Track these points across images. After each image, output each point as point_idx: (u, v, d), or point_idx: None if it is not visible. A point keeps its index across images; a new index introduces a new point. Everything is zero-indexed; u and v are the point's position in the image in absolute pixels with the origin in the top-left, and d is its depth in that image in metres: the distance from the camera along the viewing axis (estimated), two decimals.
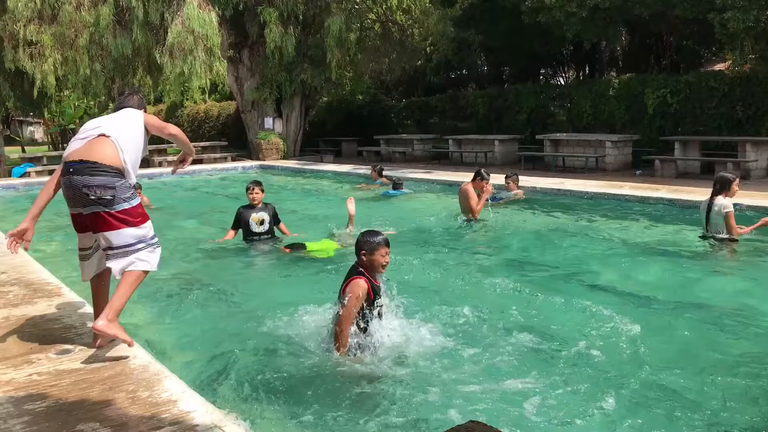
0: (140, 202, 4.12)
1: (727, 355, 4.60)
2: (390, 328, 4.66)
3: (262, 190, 8.38)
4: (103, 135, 3.99)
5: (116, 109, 4.40)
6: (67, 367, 3.80)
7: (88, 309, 4.98)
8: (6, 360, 3.92)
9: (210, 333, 5.28)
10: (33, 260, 6.90)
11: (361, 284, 4.40)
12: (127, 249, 3.96)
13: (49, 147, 33.39)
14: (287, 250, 7.89)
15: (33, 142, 45.22)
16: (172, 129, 4.53)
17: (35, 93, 20.21)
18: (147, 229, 4.04)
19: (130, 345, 3.96)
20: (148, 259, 4.02)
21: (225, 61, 21.89)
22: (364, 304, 4.44)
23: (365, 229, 4.75)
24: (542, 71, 27.07)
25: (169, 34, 19.12)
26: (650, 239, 8.41)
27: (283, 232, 8.50)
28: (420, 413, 3.77)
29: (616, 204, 10.97)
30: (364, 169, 16.05)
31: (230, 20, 21.55)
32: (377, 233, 4.65)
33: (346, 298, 4.37)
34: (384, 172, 15.17)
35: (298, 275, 7.09)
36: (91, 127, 4.10)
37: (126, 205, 3.93)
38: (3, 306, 5.10)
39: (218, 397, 3.96)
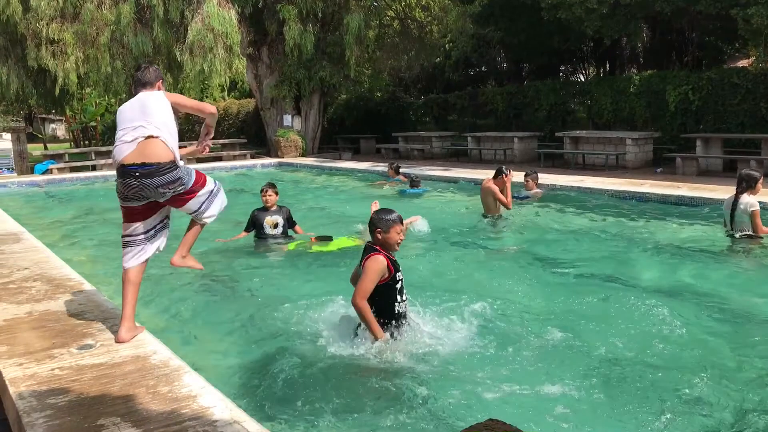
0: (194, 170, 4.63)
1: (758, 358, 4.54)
2: (415, 326, 4.67)
3: (277, 193, 8.35)
4: (152, 137, 4.37)
5: (135, 85, 4.66)
6: (89, 362, 3.84)
7: (110, 305, 5.03)
8: (29, 354, 3.97)
9: (229, 329, 5.31)
10: (55, 256, 6.98)
11: (379, 259, 4.43)
12: (202, 206, 4.55)
13: (70, 144, 33.74)
14: (314, 240, 7.97)
15: (55, 139, 45.70)
16: (211, 108, 4.94)
17: (57, 91, 20.42)
18: (209, 184, 4.60)
19: (201, 269, 4.98)
20: (212, 210, 4.65)
21: (244, 59, 22.00)
22: (387, 280, 4.46)
23: (377, 209, 4.79)
24: (562, 68, 26.93)
25: (189, 32, 19.24)
26: (671, 237, 8.32)
27: (297, 233, 8.52)
28: (441, 410, 3.76)
29: (637, 202, 10.87)
30: (383, 167, 16.05)
31: (249, 18, 21.63)
32: (391, 211, 4.68)
33: (366, 274, 4.40)
34: (401, 170, 15.16)
35: (317, 270, 7.10)
36: (132, 127, 4.40)
37: (190, 183, 4.44)
38: (26, 301, 5.15)
39: (237, 393, 3.98)
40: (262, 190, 8.34)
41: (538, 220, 9.75)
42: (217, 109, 28.95)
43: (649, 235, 8.56)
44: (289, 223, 8.41)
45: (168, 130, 4.49)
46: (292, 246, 8.01)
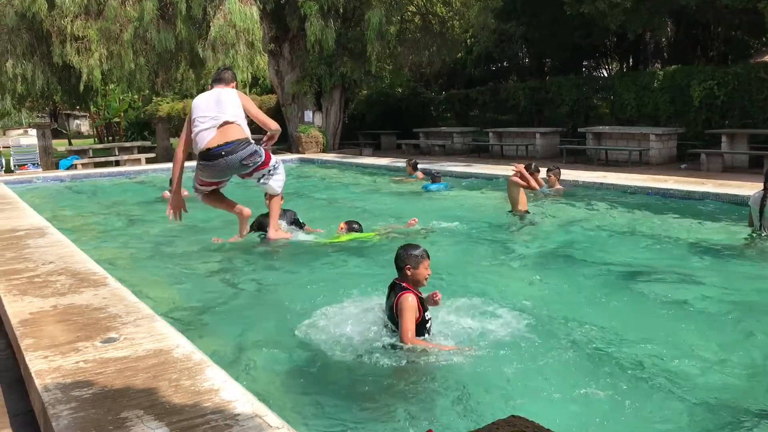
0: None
1: None
2: (441, 323, 4.66)
3: (281, 198, 8.07)
4: (228, 122, 5.34)
5: (213, 81, 5.63)
6: (112, 355, 3.87)
7: (133, 299, 5.07)
8: (54, 347, 4.01)
9: (250, 323, 5.34)
10: (79, 251, 7.05)
11: (410, 298, 4.37)
12: (267, 176, 5.72)
13: (94, 140, 34.12)
14: (343, 226, 8.01)
15: (79, 135, 46.23)
16: (274, 125, 6.05)
17: (82, 87, 20.62)
18: (273, 160, 5.69)
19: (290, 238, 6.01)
20: (277, 182, 5.82)
21: (266, 55, 22.09)
22: (418, 320, 4.41)
23: (402, 246, 4.70)
24: (585, 63, 26.70)
25: (211, 28, 19.34)
26: (696, 235, 8.22)
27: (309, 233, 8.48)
28: (465, 407, 3.75)
29: (660, 198, 10.76)
30: (403, 163, 16.02)
31: (271, 14, 21.70)
32: (417, 246, 4.62)
33: (403, 315, 4.34)
34: (421, 166, 15.13)
35: (338, 266, 7.11)
36: (211, 116, 5.33)
37: (263, 156, 5.54)
38: (51, 295, 5.22)
39: (259, 387, 3.99)
40: (265, 194, 8.08)
41: (562, 217, 9.67)
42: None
43: (674, 232, 8.46)
44: (297, 225, 8.31)
45: (240, 118, 5.42)
46: (325, 241, 7.96)
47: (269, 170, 5.61)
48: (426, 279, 4.57)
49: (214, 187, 5.54)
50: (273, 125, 5.86)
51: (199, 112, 5.35)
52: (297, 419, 3.64)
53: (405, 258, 4.51)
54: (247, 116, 5.86)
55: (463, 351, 4.35)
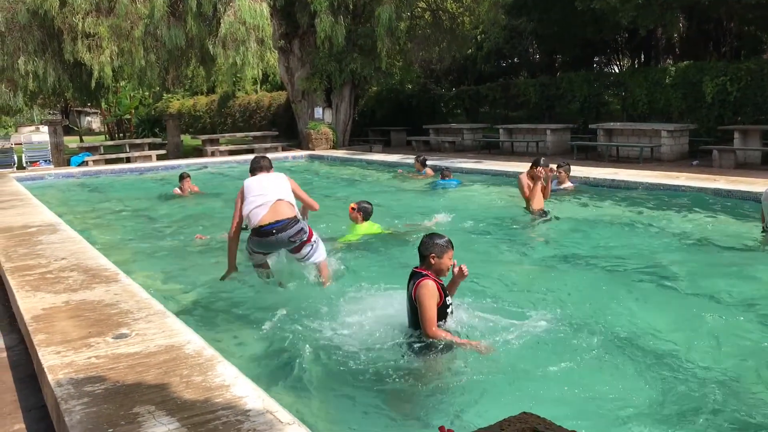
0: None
1: None
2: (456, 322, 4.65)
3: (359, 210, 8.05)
4: (280, 200, 5.90)
5: (253, 169, 6.30)
6: (124, 351, 3.89)
7: (144, 295, 5.09)
8: (66, 343, 4.04)
9: (262, 320, 5.34)
10: (91, 247, 7.09)
11: (429, 284, 4.36)
12: (311, 251, 6.02)
13: (105, 137, 34.25)
14: (354, 206, 8.01)
15: (90, 131, 46.45)
16: (316, 206, 6.64)
17: (93, 84, 20.70)
18: (314, 236, 6.05)
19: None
20: (321, 253, 6.13)
21: (276, 52, 22.08)
22: (439, 305, 4.40)
23: (427, 234, 4.68)
24: (596, 59, 26.54)
25: (221, 25, 19.37)
26: (708, 232, 8.17)
27: None
28: (477, 404, 3.75)
29: (672, 195, 10.68)
30: (413, 159, 15.99)
31: (281, 10, 21.70)
32: (441, 236, 4.61)
33: (424, 303, 4.32)
34: (431, 163, 15.10)
35: (349, 263, 7.10)
36: (262, 193, 5.92)
37: (307, 231, 5.97)
38: (63, 291, 5.25)
39: (270, 383, 4.00)
40: None
41: (572, 214, 9.63)
42: (249, 102, 29.29)
43: (685, 229, 8.42)
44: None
45: (290, 197, 5.98)
46: (345, 239, 7.94)
47: (312, 244, 5.97)
48: (448, 269, 4.56)
49: (262, 257, 6.07)
50: (316, 206, 6.57)
51: (252, 192, 5.96)
52: (309, 415, 3.64)
53: (430, 246, 4.50)
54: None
55: (484, 347, 4.33)
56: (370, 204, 8.10)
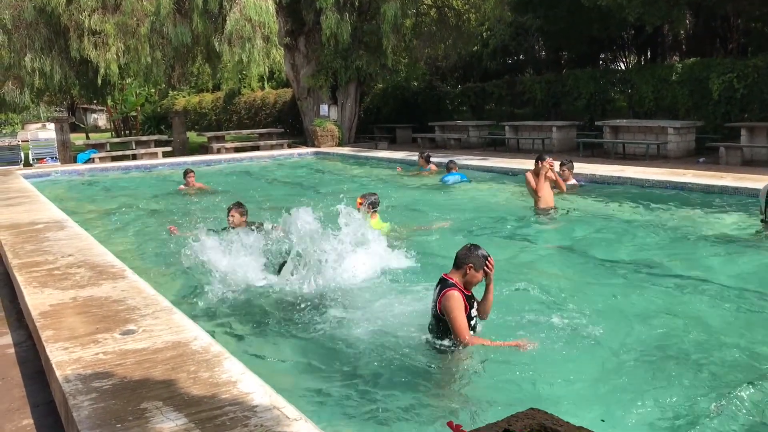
0: None
1: None
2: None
3: (242, 213, 7.65)
4: None
5: None
6: (132, 347, 3.91)
7: (151, 291, 5.11)
8: (74, 339, 4.05)
9: (266, 317, 5.36)
10: (98, 243, 7.11)
11: (455, 295, 4.33)
12: None
13: (111, 134, 34.28)
14: (361, 201, 7.89)
15: (96, 129, 46.48)
16: None
17: (99, 81, 20.73)
18: None
19: None
20: None
21: (282, 49, 22.07)
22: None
23: (468, 244, 4.60)
24: (602, 56, 26.44)
25: (227, 22, 19.38)
26: (715, 229, 8.15)
27: None
28: (486, 400, 3.75)
29: (679, 192, 10.65)
30: (417, 156, 15.95)
31: (287, 7, 21.70)
32: (479, 247, 4.54)
33: (451, 314, 4.30)
34: (436, 159, 15.06)
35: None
36: None
37: None
38: (70, 287, 5.26)
39: (277, 379, 4.01)
40: (228, 209, 7.73)
41: (578, 211, 9.61)
42: (255, 99, 29.18)
43: (692, 226, 8.40)
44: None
45: None
46: None
47: None
48: (476, 283, 4.49)
49: None
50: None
51: None
52: (316, 410, 3.65)
53: (470, 257, 4.44)
54: None
55: (524, 345, 4.31)
56: (376, 194, 8.08)
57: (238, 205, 7.68)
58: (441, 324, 4.38)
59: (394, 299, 5.19)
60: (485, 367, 4.15)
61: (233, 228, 7.38)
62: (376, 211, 7.92)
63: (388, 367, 4.20)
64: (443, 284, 4.43)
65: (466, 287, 4.45)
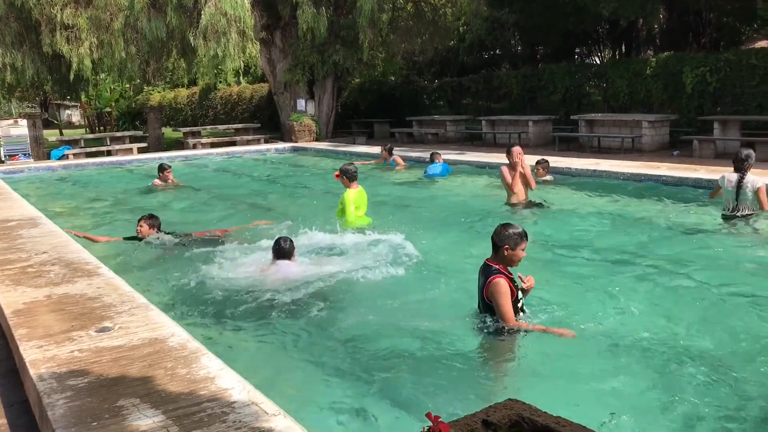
0: None
1: None
2: None
3: (152, 225, 7.75)
4: None
5: (277, 256, 6.18)
6: (108, 344, 3.87)
7: (127, 288, 5.06)
8: (48, 337, 4.01)
9: (247, 313, 5.34)
10: (72, 240, 7.03)
11: (501, 283, 4.33)
12: None
13: (86, 130, 33.92)
14: (339, 173, 7.95)
15: (70, 125, 45.94)
16: None
17: (72, 77, 20.42)
18: None
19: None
20: None
21: (257, 43, 21.92)
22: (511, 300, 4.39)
23: (499, 225, 4.54)
24: (577, 50, 26.59)
25: (202, 16, 19.20)
26: (689, 220, 8.25)
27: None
28: (465, 393, 3.77)
29: (653, 185, 10.77)
30: (397, 151, 15.97)
31: (262, 1, 21.56)
32: (516, 226, 4.49)
33: (498, 302, 4.32)
34: (416, 154, 15.09)
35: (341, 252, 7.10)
36: None
37: None
38: (45, 285, 5.20)
39: (256, 375, 4.00)
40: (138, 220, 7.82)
41: (552, 205, 9.65)
42: (231, 94, 28.99)
43: (667, 218, 8.49)
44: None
45: None
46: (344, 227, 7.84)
47: None
48: (519, 261, 4.47)
49: None
50: None
51: None
52: (294, 406, 3.64)
53: (504, 237, 4.40)
54: None
55: (568, 333, 4.36)
56: (353, 164, 8.09)
57: (149, 216, 7.89)
58: (489, 309, 4.41)
59: (370, 294, 5.19)
60: (466, 360, 4.18)
61: (142, 238, 7.67)
62: (354, 180, 8.00)
63: (366, 360, 4.21)
64: (487, 271, 4.41)
65: (510, 266, 4.44)
